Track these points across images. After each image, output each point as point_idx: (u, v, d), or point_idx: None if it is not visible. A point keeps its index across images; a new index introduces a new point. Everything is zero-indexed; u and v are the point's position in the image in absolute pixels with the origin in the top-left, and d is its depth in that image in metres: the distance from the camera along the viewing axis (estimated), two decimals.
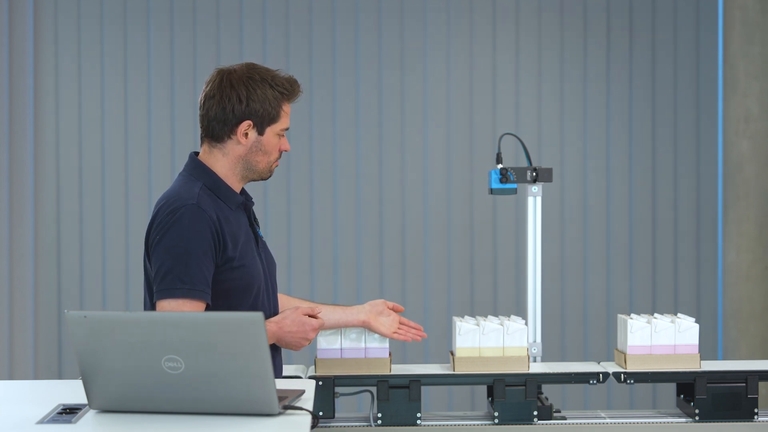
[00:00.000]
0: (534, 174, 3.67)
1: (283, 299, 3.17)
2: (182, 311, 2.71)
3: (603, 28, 6.19)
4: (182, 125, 6.07)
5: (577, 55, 6.18)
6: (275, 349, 2.98)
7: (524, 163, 3.83)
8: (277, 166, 2.97)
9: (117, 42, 6.06)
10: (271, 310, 2.99)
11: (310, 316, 2.94)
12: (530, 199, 3.68)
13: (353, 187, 6.12)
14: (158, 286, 2.76)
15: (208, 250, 2.77)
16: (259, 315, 2.18)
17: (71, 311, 2.22)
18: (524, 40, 6.17)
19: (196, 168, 2.90)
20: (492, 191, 3.70)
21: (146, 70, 6.07)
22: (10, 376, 5.32)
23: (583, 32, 6.19)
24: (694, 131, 6.20)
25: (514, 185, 3.68)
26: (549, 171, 3.69)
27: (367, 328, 3.27)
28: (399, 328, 3.28)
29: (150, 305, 2.85)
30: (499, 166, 3.72)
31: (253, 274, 2.89)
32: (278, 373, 3.00)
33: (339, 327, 3.27)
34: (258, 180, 2.96)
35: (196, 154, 2.95)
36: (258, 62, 2.99)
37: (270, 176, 2.97)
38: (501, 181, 3.67)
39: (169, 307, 2.73)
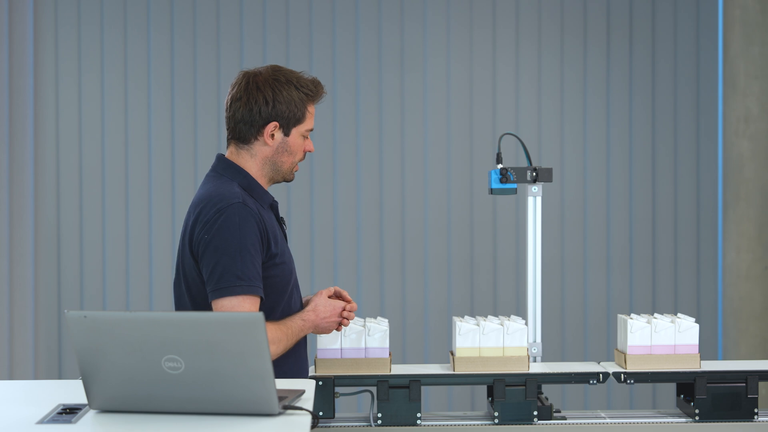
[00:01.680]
0: (534, 174, 3.67)
1: None
2: (242, 309, 2.75)
3: (603, 28, 6.19)
4: (182, 125, 6.07)
5: (576, 55, 6.18)
6: (303, 348, 3.01)
7: (524, 163, 3.83)
8: (297, 170, 3.01)
9: (117, 42, 6.05)
10: (298, 308, 3.02)
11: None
12: (530, 199, 3.68)
13: (353, 186, 6.12)
14: (215, 285, 2.78)
15: (257, 246, 2.81)
16: (259, 315, 2.18)
17: (71, 311, 2.23)
18: (524, 39, 6.17)
19: (228, 168, 2.94)
20: (492, 191, 3.70)
21: (146, 70, 6.07)
22: (10, 376, 5.32)
23: (583, 32, 6.19)
24: (694, 131, 6.19)
25: (514, 185, 3.68)
26: (549, 171, 3.69)
27: None
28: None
29: (188, 303, 2.87)
30: (499, 166, 3.71)
31: (291, 270, 2.96)
32: (304, 373, 3.03)
33: None
34: (281, 182, 3.01)
35: (222, 155, 2.99)
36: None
37: (293, 178, 3.03)
38: (501, 181, 3.67)
39: (230, 305, 2.76)
